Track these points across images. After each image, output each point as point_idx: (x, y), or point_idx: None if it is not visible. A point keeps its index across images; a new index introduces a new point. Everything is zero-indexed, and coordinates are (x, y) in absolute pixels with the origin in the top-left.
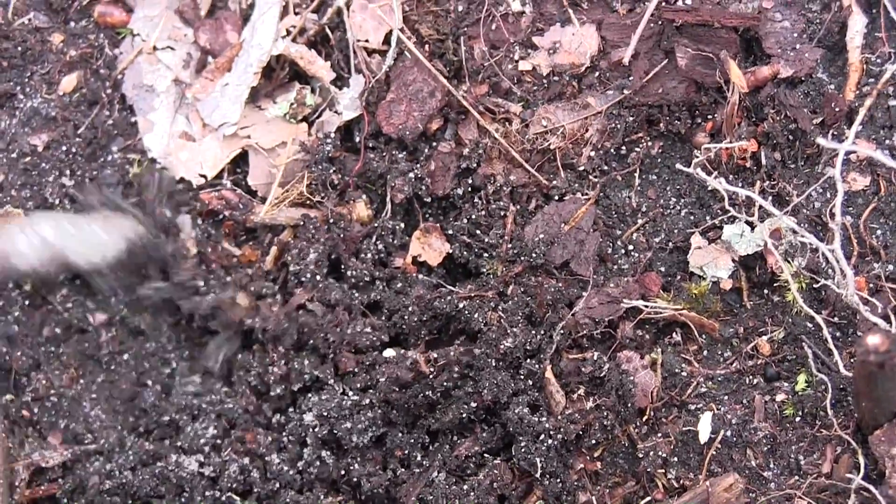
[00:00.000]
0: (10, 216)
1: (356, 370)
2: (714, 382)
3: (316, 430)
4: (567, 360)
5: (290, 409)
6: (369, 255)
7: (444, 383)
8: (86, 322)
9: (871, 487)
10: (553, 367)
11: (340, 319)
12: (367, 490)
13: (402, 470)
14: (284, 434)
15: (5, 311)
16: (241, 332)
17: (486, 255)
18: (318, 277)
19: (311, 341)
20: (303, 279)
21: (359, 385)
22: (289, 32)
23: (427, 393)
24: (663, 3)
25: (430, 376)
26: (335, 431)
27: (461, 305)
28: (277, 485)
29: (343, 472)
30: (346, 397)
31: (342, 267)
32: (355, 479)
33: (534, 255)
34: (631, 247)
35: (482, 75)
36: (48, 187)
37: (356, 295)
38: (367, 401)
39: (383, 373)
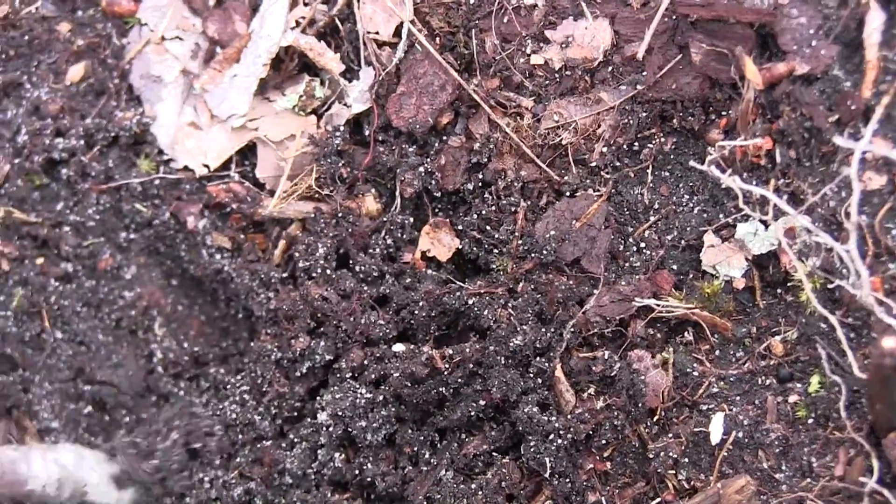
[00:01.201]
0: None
1: (366, 363)
2: (726, 383)
3: (330, 429)
4: (577, 359)
5: (304, 409)
6: (378, 250)
7: (458, 380)
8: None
9: (885, 491)
10: (563, 365)
11: (354, 308)
12: (382, 490)
13: (411, 468)
14: (298, 436)
15: None
16: None
17: (495, 251)
18: (328, 272)
19: (323, 329)
20: (313, 275)
21: (372, 378)
22: (298, 24)
23: (440, 389)
24: None
25: (445, 373)
26: (350, 430)
27: (470, 302)
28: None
29: (356, 472)
30: (359, 395)
31: (350, 261)
32: (369, 479)
33: (544, 251)
34: (643, 244)
35: (493, 69)
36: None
37: (365, 289)
38: (381, 398)
39: (397, 367)
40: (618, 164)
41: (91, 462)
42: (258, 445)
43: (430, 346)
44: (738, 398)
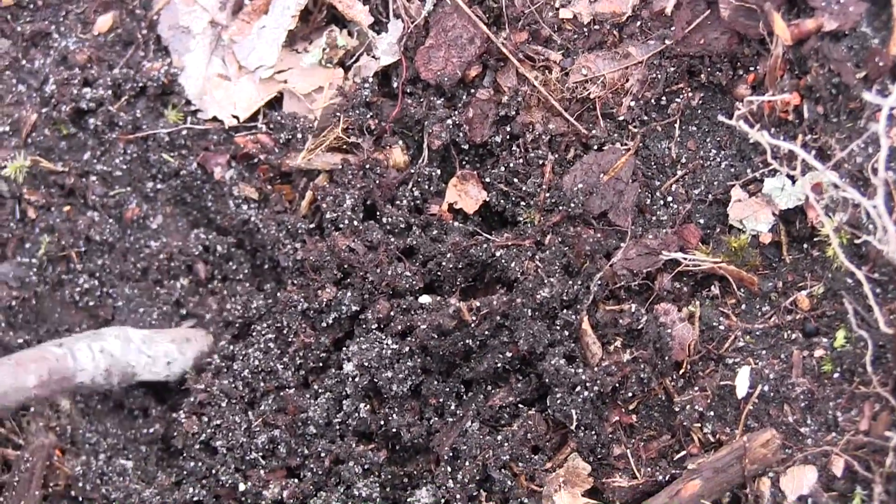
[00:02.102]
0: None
1: (392, 314)
2: (752, 337)
3: (356, 379)
4: (604, 312)
5: (330, 360)
6: (405, 202)
7: (485, 332)
8: None
9: None
10: (590, 318)
11: (381, 259)
12: (407, 441)
13: (436, 419)
14: (323, 386)
15: None
16: None
17: (523, 203)
18: (355, 223)
19: (350, 280)
20: (340, 225)
21: (398, 329)
22: None
23: (467, 341)
24: None
25: (472, 325)
26: (375, 381)
27: (498, 254)
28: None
29: (382, 423)
30: (385, 346)
31: (377, 213)
32: (394, 430)
33: (572, 204)
34: (670, 198)
35: (522, 22)
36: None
37: (391, 240)
38: (407, 349)
39: (423, 319)
40: (645, 118)
41: (137, 344)
42: (281, 394)
43: (456, 298)
44: (763, 352)
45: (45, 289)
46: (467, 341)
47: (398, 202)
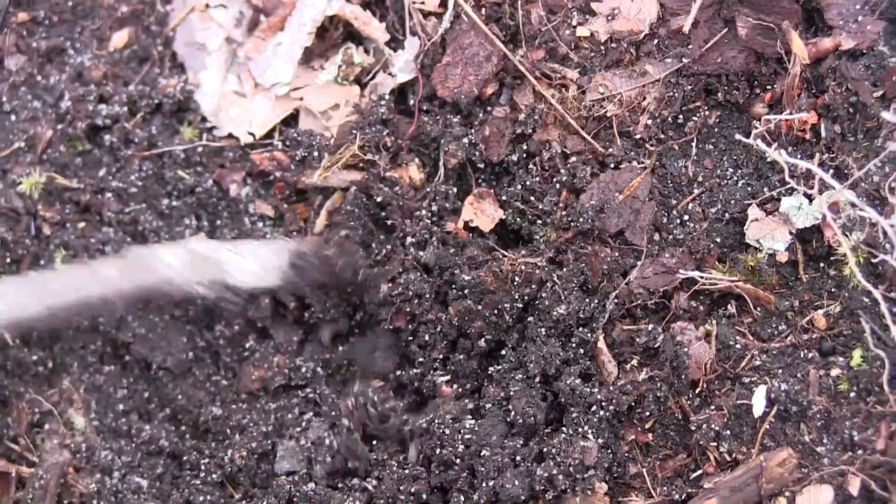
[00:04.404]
0: None
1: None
2: (768, 355)
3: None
4: (620, 330)
5: None
6: (422, 221)
7: (525, 296)
8: None
9: None
10: (606, 336)
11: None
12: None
13: None
14: None
15: None
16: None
17: (539, 222)
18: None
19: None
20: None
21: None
22: None
23: (505, 305)
24: None
25: (514, 286)
26: None
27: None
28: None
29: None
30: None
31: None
32: None
33: (588, 223)
34: (686, 217)
35: (539, 40)
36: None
37: (411, 252)
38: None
39: (469, 271)
40: (662, 136)
41: (226, 244)
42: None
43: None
44: (780, 371)
45: None
46: (505, 305)
47: (416, 216)
